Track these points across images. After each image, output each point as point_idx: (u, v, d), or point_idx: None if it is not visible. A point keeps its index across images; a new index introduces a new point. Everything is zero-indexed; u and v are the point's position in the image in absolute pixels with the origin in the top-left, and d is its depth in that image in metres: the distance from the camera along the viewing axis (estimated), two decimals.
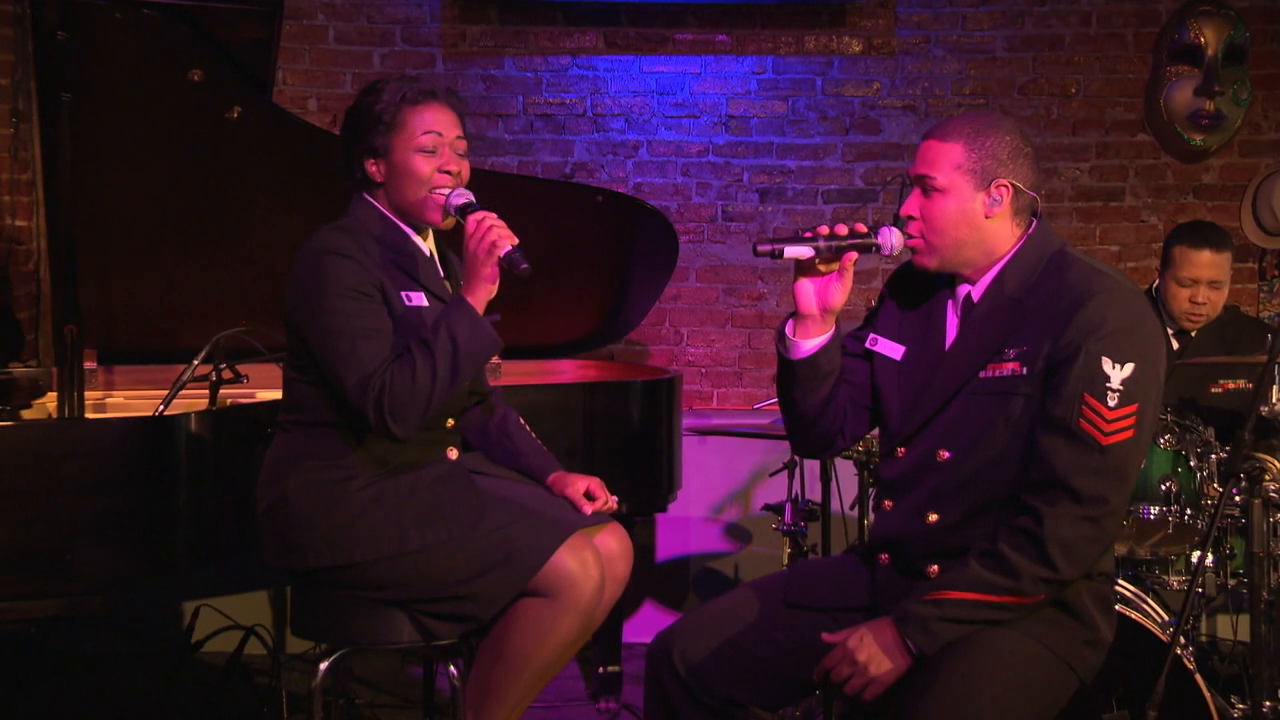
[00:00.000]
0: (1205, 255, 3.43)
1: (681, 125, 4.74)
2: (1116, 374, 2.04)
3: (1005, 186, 2.15)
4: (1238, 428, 3.25)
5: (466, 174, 2.50)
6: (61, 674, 3.96)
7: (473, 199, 2.44)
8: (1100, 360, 2.04)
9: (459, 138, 2.49)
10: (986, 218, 2.15)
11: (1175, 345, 3.54)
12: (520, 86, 4.71)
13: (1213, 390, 3.45)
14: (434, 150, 2.44)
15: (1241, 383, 3.46)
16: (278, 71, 4.45)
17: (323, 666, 2.48)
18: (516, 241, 2.35)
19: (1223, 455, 3.06)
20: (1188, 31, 4.57)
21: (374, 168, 2.47)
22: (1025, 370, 2.11)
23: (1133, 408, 2.05)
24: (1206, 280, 3.44)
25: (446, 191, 2.45)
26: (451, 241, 2.59)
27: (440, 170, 2.45)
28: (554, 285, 3.69)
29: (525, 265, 2.33)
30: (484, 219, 2.35)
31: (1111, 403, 2.04)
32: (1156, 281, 3.60)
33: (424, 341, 2.33)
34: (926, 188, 2.17)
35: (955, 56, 4.75)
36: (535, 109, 4.72)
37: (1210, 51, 4.54)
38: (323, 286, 2.36)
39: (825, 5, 4.69)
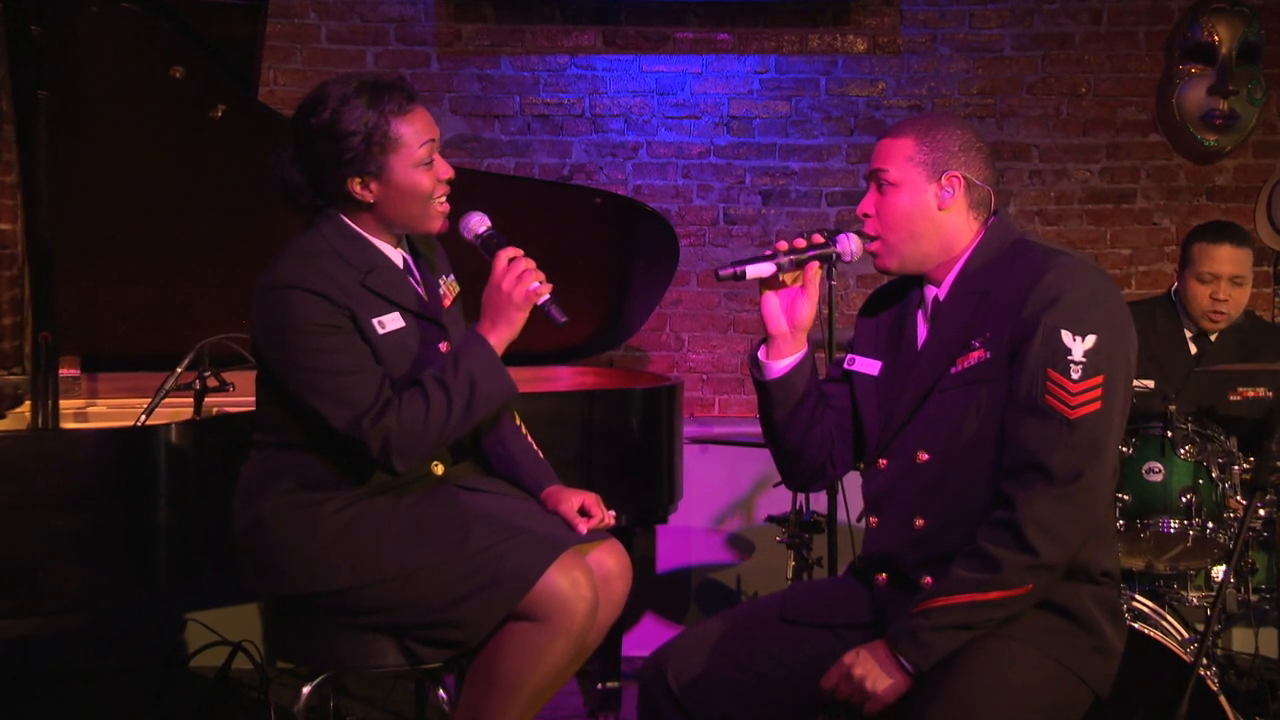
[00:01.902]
0: (1225, 250, 3.39)
1: (682, 126, 4.67)
2: (1078, 346, 2.02)
3: (957, 178, 2.16)
4: (1261, 437, 3.19)
5: (453, 174, 2.42)
6: (45, 688, 3.89)
7: (490, 224, 2.37)
8: (1059, 333, 2.03)
9: (439, 136, 2.41)
10: (940, 209, 2.16)
11: (1194, 350, 3.46)
12: (517, 86, 4.63)
13: (1231, 399, 3.37)
14: (430, 161, 2.35)
15: (1262, 390, 3.39)
16: (269, 72, 4.49)
17: (305, 690, 2.40)
18: (551, 287, 2.30)
19: (1245, 466, 2.97)
20: (1200, 29, 4.50)
21: (361, 189, 2.33)
22: (991, 355, 2.09)
23: (1098, 379, 2.02)
24: (1228, 276, 3.40)
25: (444, 199, 2.38)
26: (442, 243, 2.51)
27: (439, 181, 2.36)
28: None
29: (565, 319, 2.30)
30: (516, 259, 2.30)
31: (1075, 375, 2.01)
32: (1175, 285, 3.54)
33: (440, 379, 2.26)
34: (880, 183, 2.19)
35: (962, 55, 4.67)
36: (532, 109, 4.65)
37: (1224, 50, 4.46)
38: (291, 325, 2.25)
39: (829, 3, 4.62)
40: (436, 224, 2.39)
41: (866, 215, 2.20)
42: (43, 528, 2.50)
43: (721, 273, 2.21)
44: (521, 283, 2.29)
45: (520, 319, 2.31)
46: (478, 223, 2.39)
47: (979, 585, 2.00)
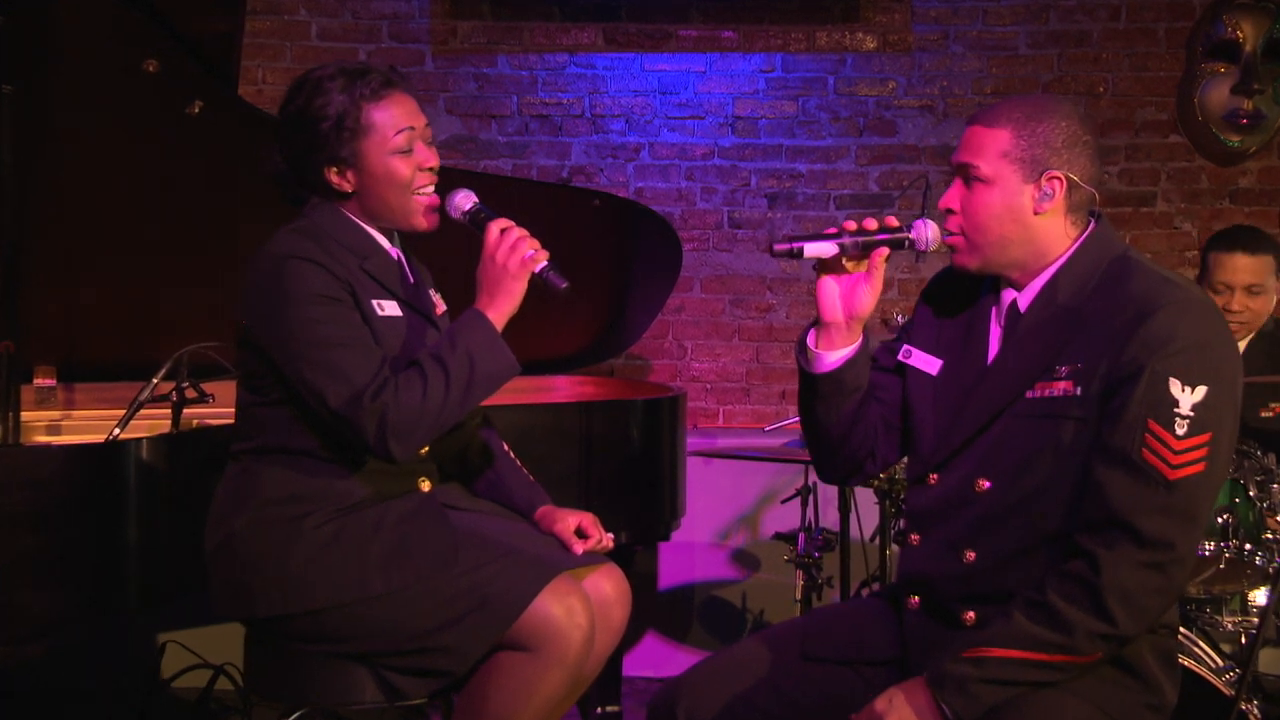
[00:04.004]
0: (1239, 259, 3.26)
1: (685, 127, 4.57)
2: (1186, 398, 1.81)
3: (1058, 179, 1.93)
4: None
5: (438, 163, 2.32)
6: (20, 709, 3.77)
7: (478, 200, 2.27)
8: (1168, 382, 1.82)
9: (426, 125, 2.30)
10: (1036, 214, 1.94)
11: None
12: (515, 86, 4.54)
13: (1263, 414, 3.23)
14: (409, 149, 2.25)
15: None
16: (258, 70, 4.43)
17: None
18: (548, 254, 2.19)
19: None
20: (1224, 26, 4.42)
21: (339, 178, 2.25)
22: (1079, 391, 1.88)
23: (1204, 437, 1.82)
24: (1242, 285, 3.27)
25: (429, 190, 2.28)
26: (414, 241, 2.41)
27: (420, 169, 2.26)
28: (548, 295, 3.53)
29: (565, 284, 2.17)
30: (509, 229, 2.19)
31: (1180, 431, 1.81)
32: None
33: (437, 357, 2.14)
34: (969, 177, 1.96)
35: (975, 53, 4.57)
36: (531, 109, 4.55)
37: (1248, 47, 4.38)
38: (290, 295, 2.14)
39: None
40: (421, 219, 2.28)
41: (950, 211, 1.99)
42: (3, 549, 2.36)
43: (777, 247, 2.01)
44: (516, 251, 2.17)
45: (519, 289, 2.18)
46: (464, 199, 2.28)
47: (1044, 645, 1.82)
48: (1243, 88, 4.36)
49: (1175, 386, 1.82)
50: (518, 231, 2.19)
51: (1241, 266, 3.25)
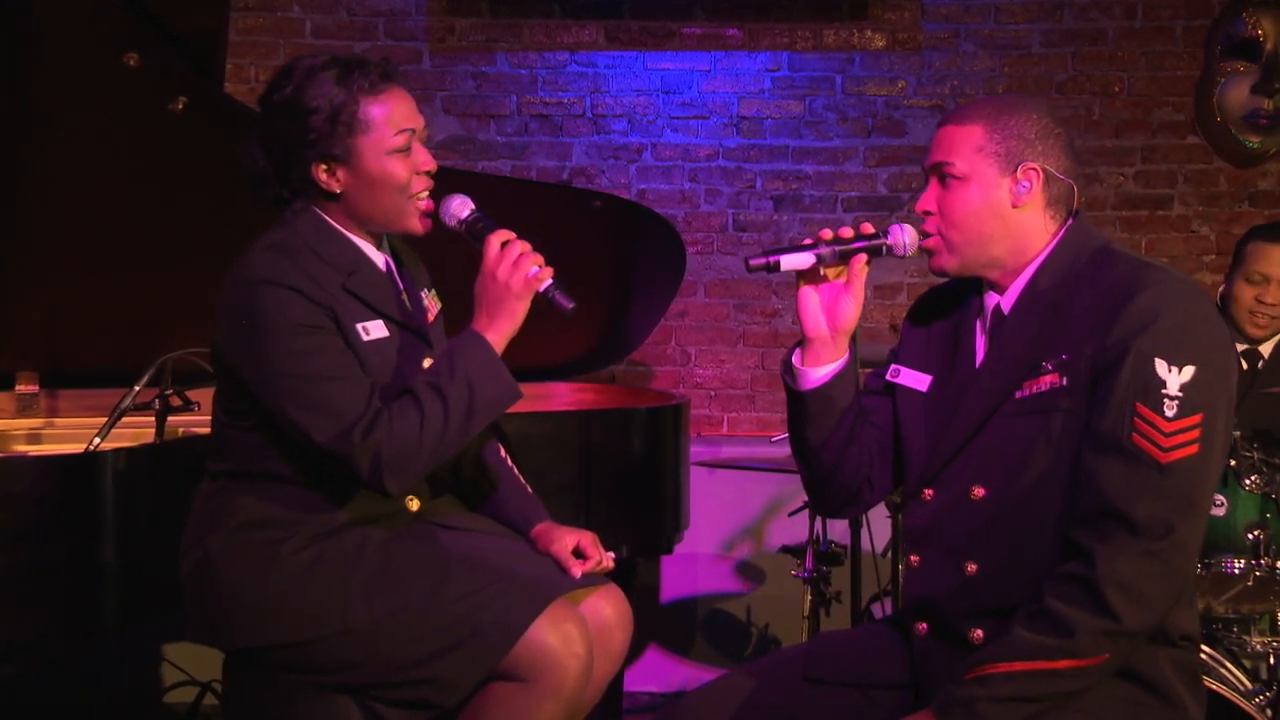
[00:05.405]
0: None
1: (689, 127, 4.50)
2: (1174, 378, 1.77)
3: (1034, 170, 1.91)
4: None
5: (435, 167, 2.20)
6: None
7: (475, 208, 2.15)
8: (1153, 362, 1.78)
9: (424, 126, 2.17)
10: (1015, 207, 1.92)
11: (1244, 366, 3.25)
12: (514, 85, 4.46)
13: None
14: (408, 149, 2.12)
15: None
16: (250, 69, 4.37)
17: None
18: (553, 271, 2.07)
19: None
20: (1243, 24, 4.36)
21: (327, 176, 2.11)
22: (1065, 381, 1.84)
23: (1196, 418, 1.77)
24: (1279, 278, 3.21)
25: (425, 194, 2.15)
26: (414, 242, 2.29)
27: (417, 173, 2.14)
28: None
29: (571, 304, 2.07)
30: (510, 243, 2.07)
31: (1169, 413, 1.76)
32: (1222, 289, 3.37)
33: (434, 385, 2.02)
34: (944, 177, 1.94)
35: (987, 52, 4.49)
36: (530, 109, 4.47)
37: (1269, 45, 4.32)
38: (267, 326, 2.01)
39: None
40: (415, 223, 2.16)
41: (927, 213, 1.96)
42: None
43: (753, 262, 1.97)
44: (519, 268, 2.05)
45: (521, 309, 2.07)
46: (460, 206, 2.15)
47: (1047, 651, 1.75)
48: (1263, 87, 4.31)
49: (1161, 367, 1.78)
50: (520, 246, 2.07)
51: None
